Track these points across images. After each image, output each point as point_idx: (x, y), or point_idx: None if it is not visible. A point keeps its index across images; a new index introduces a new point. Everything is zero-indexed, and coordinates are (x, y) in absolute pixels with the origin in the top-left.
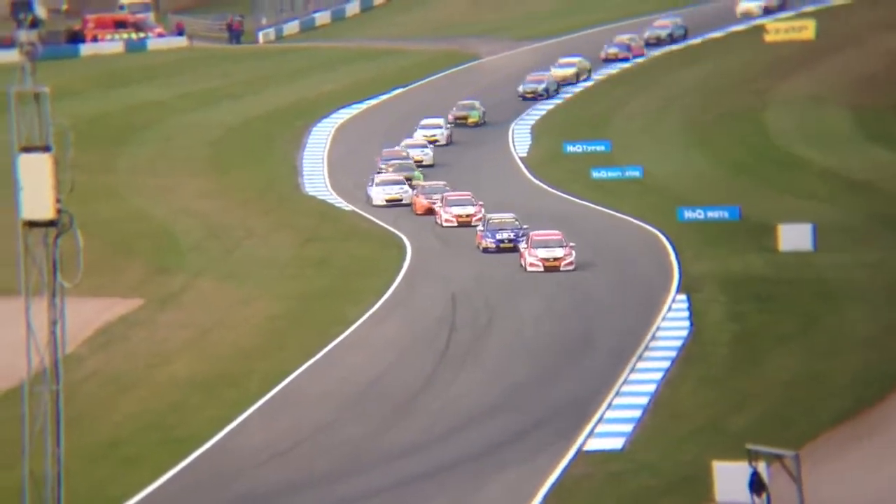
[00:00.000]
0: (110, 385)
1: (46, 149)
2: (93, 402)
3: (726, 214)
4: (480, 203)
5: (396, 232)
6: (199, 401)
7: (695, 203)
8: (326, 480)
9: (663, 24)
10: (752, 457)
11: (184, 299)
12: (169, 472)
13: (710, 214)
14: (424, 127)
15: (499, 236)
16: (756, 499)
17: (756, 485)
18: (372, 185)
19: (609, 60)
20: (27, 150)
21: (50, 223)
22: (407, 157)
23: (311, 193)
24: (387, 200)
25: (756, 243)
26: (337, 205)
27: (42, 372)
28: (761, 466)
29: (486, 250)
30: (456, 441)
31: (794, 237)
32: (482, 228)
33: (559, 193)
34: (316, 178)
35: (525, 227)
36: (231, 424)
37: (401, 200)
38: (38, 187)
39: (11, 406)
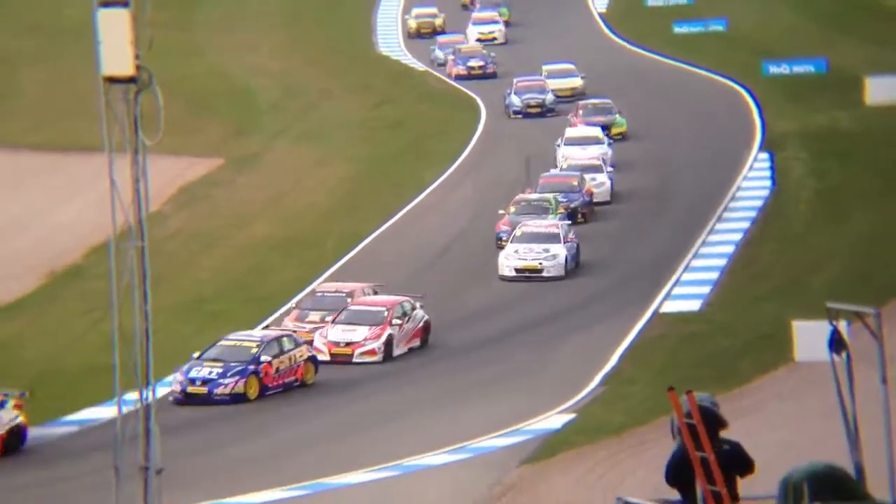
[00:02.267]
0: (193, 243)
1: (124, 3)
2: (177, 259)
3: (812, 68)
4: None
5: (471, 94)
6: (278, 261)
7: (781, 56)
8: None
9: None
10: (832, 315)
11: (262, 160)
12: (255, 328)
13: (796, 69)
14: None
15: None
16: (836, 357)
17: (836, 343)
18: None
19: None
20: (105, 4)
21: (130, 79)
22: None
23: (385, 53)
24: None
25: (842, 97)
26: (411, 65)
27: (127, 229)
28: (842, 324)
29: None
30: (531, 304)
31: (883, 89)
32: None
33: (638, 49)
34: (390, 38)
35: None
36: (310, 285)
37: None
38: (116, 43)
39: (100, 262)
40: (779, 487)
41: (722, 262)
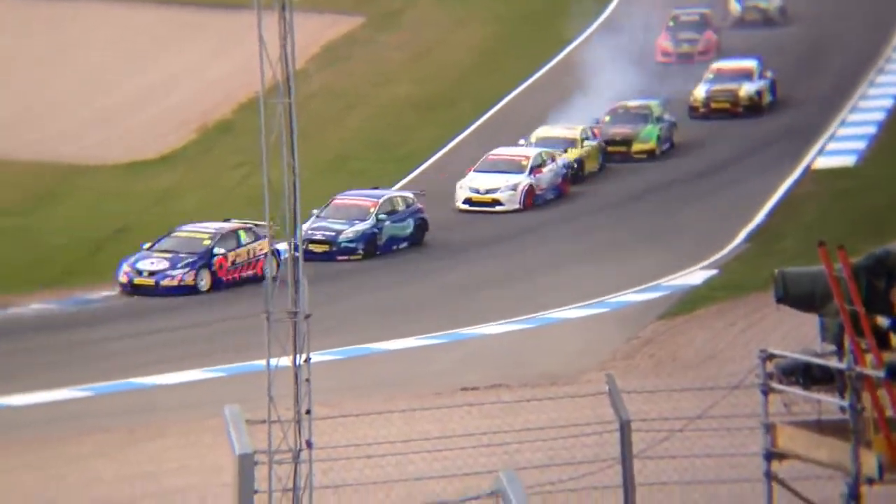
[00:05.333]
0: (336, 102)
1: None
2: (321, 118)
3: None
4: None
5: None
6: (417, 120)
7: None
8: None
9: None
10: None
11: (403, 18)
12: (393, 187)
13: None
14: None
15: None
16: None
17: None
18: None
19: None
20: None
21: None
22: None
23: None
24: None
25: None
26: None
27: (275, 85)
28: None
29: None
30: (680, 159)
31: None
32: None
33: None
34: None
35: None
36: (448, 144)
37: None
38: None
39: (248, 117)
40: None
41: (880, 116)
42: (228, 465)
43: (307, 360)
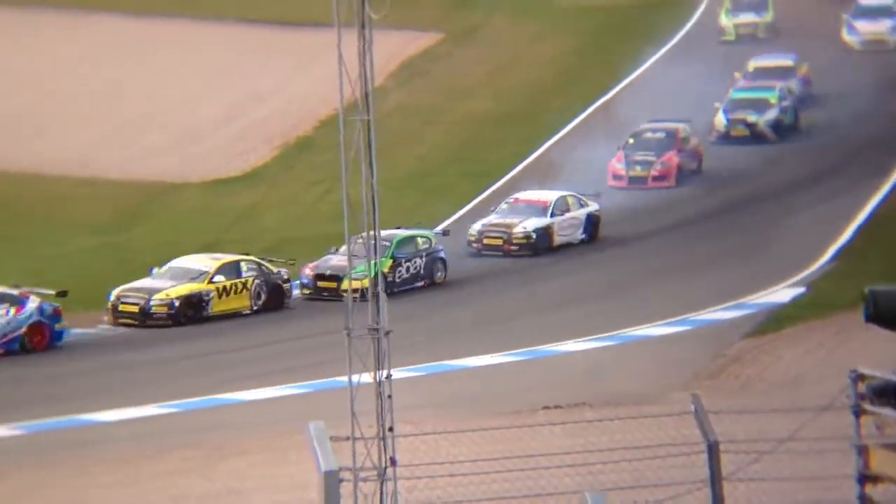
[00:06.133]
0: (414, 118)
1: None
2: (399, 134)
3: None
4: None
5: None
6: (496, 136)
7: None
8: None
9: None
10: None
11: (481, 34)
12: (471, 203)
13: None
14: None
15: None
16: None
17: None
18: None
19: None
20: None
21: None
22: None
23: None
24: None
25: None
26: None
27: (354, 102)
28: None
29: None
30: (765, 174)
31: None
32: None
33: None
34: None
35: None
36: (526, 160)
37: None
38: None
39: (329, 134)
40: None
41: None
42: (313, 481)
43: (388, 376)
